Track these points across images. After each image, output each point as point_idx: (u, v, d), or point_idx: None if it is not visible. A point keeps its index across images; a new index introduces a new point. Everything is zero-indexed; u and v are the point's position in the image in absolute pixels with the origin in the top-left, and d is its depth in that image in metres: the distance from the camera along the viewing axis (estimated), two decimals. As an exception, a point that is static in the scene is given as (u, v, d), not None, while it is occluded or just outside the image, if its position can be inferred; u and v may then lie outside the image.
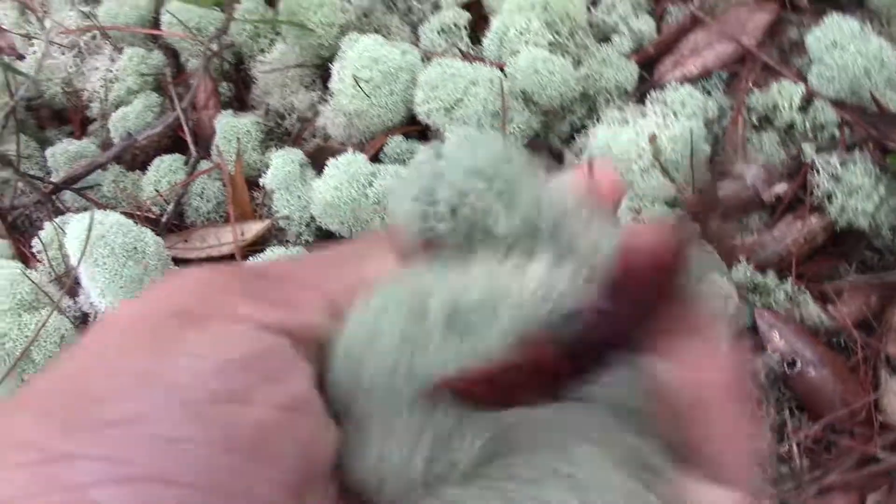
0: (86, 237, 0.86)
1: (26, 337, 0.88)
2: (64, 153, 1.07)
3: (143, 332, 0.26)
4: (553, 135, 1.00)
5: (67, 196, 1.05)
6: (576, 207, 0.31)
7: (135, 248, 0.89)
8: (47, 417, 0.24)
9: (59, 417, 0.24)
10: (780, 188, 0.92)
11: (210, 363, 0.25)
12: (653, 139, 0.91)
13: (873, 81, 0.92)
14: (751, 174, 0.92)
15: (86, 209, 0.96)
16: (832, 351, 0.88)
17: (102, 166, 1.04)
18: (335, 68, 1.00)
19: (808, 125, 0.94)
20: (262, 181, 1.01)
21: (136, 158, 1.08)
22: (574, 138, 1.00)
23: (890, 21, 0.97)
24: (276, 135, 1.08)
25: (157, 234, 0.94)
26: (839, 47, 0.93)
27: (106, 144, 1.09)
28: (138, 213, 1.01)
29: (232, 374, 0.25)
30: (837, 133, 0.93)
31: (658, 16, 1.05)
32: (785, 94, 0.95)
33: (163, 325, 0.26)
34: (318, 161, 1.00)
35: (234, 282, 0.28)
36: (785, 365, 0.86)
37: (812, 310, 0.88)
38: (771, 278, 0.90)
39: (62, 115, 1.17)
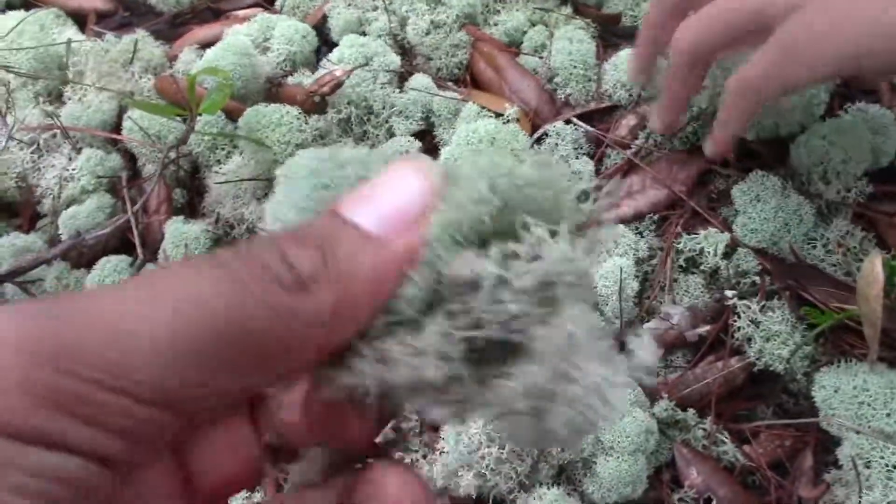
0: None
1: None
2: (10, 246, 1.08)
3: None
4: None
5: (8, 289, 1.05)
6: None
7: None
8: None
9: None
10: (703, 329, 0.97)
11: None
12: (585, 274, 0.95)
13: (792, 234, 0.99)
14: (676, 314, 0.97)
15: (26, 304, 0.96)
16: (747, 490, 0.90)
17: (48, 262, 1.05)
18: (287, 184, 1.04)
19: (731, 271, 1.00)
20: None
21: (82, 257, 1.09)
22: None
23: (809, 179, 1.05)
24: (225, 243, 1.11)
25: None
26: (762, 201, 1.00)
27: (54, 241, 1.11)
28: (78, 311, 1.02)
29: None
30: (758, 280, 0.99)
31: (597, 158, 1.11)
32: (711, 240, 1.01)
33: None
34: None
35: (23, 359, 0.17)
36: (701, 501, 0.88)
37: (729, 448, 0.92)
38: (691, 415, 0.93)
39: (12, 208, 1.18)
